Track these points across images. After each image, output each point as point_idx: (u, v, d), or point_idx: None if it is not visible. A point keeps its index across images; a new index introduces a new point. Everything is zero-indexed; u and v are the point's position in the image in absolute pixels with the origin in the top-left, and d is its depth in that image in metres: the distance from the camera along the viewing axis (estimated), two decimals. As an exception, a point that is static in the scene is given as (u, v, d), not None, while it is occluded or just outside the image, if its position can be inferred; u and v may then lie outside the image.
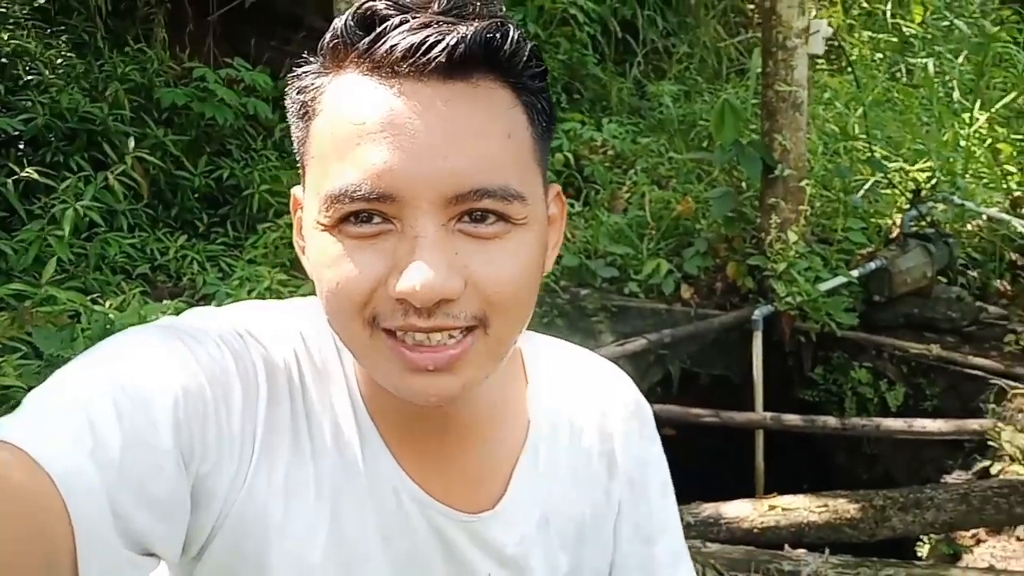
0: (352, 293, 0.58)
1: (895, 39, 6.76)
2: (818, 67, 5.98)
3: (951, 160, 4.66)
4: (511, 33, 0.59)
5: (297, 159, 0.65)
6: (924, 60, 5.92)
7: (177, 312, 2.54)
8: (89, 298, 2.47)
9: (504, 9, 0.61)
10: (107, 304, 2.44)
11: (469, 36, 0.56)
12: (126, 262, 3.22)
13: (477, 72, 0.57)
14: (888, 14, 6.72)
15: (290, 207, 0.69)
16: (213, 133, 4.10)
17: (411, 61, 0.55)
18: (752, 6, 7.07)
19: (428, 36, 0.55)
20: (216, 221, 3.89)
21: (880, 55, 6.55)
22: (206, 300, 3.09)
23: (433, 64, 0.55)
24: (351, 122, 0.57)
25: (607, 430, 0.79)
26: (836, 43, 5.07)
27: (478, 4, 0.59)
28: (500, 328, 0.60)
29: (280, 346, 0.67)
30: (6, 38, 3.91)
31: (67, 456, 0.49)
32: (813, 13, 3.99)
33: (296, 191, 0.68)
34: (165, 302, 2.53)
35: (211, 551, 0.62)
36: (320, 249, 0.60)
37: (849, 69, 5.13)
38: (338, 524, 0.66)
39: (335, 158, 0.57)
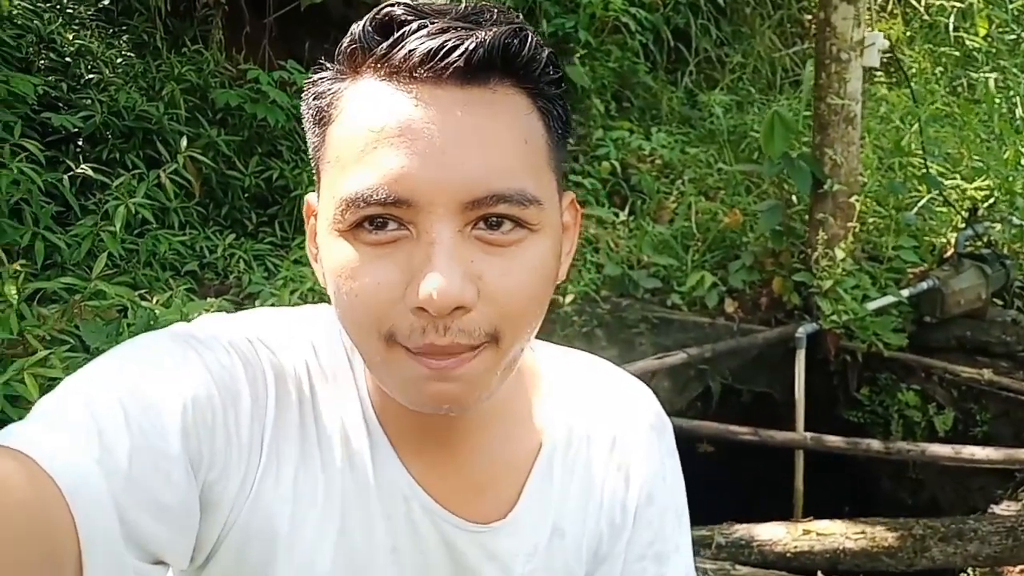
0: (369, 306, 0.58)
1: (957, 52, 6.58)
2: (875, 80, 5.86)
3: (1011, 179, 4.52)
4: (529, 39, 0.59)
5: (312, 165, 0.65)
6: (987, 75, 5.76)
7: (220, 311, 2.59)
8: (137, 294, 2.52)
9: (521, 16, 0.61)
10: (154, 300, 2.50)
11: (488, 41, 0.56)
12: (175, 259, 3.29)
13: (495, 78, 0.58)
14: (951, 27, 6.55)
15: (304, 214, 0.70)
16: (265, 134, 4.16)
17: (429, 66, 0.56)
18: (809, 17, 6.95)
19: (446, 41, 0.55)
20: (264, 221, 3.95)
21: (941, 68, 6.38)
22: (251, 299, 3.14)
23: (451, 69, 0.55)
24: (368, 128, 0.57)
25: (625, 443, 0.78)
26: (893, 55, 4.96)
27: (496, 11, 0.59)
28: (510, 340, 0.60)
29: (290, 353, 0.68)
30: (71, 38, 4.03)
31: (74, 463, 0.50)
32: (870, 22, 3.91)
33: (310, 198, 0.68)
34: (209, 299, 2.58)
35: (218, 559, 0.63)
36: (335, 256, 0.59)
37: (907, 83, 5.01)
38: (346, 532, 0.66)
39: (351, 163, 0.58)
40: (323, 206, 0.61)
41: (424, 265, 0.56)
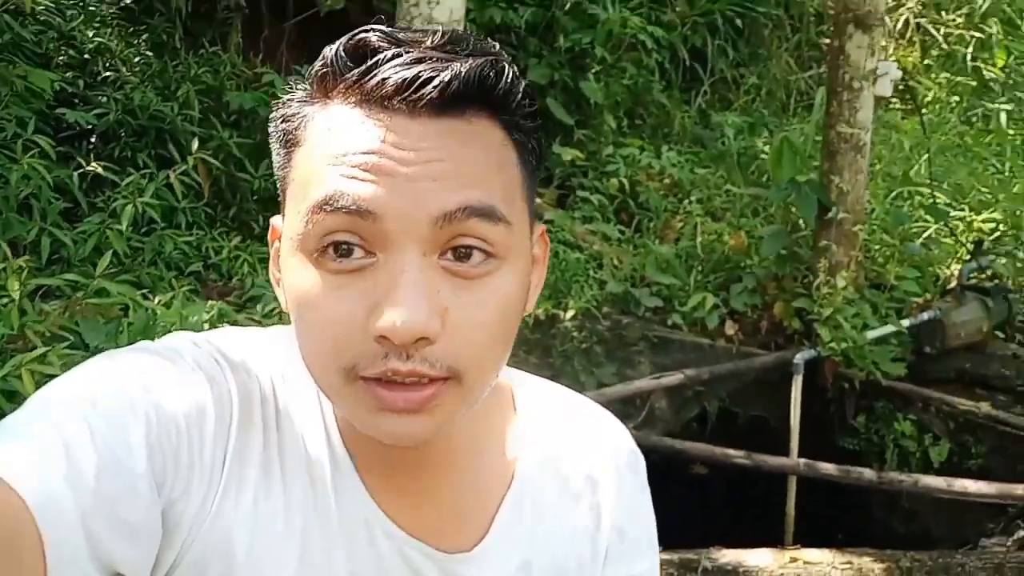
0: (332, 336, 0.57)
1: (974, 82, 6.57)
2: (889, 107, 5.85)
3: (1018, 213, 4.51)
4: (505, 71, 0.58)
5: (278, 187, 0.64)
6: (1001, 106, 5.74)
7: (220, 313, 2.62)
8: (140, 292, 2.55)
9: (498, 47, 0.61)
10: (156, 300, 2.52)
11: (463, 73, 0.55)
12: (180, 259, 3.32)
13: (470, 108, 0.57)
14: (969, 56, 6.54)
15: (268, 238, 0.69)
16: (276, 138, 4.20)
17: (403, 96, 0.55)
18: (827, 40, 6.95)
19: (421, 72, 0.55)
20: (272, 224, 3.98)
21: (956, 98, 6.37)
22: (253, 302, 3.16)
23: (425, 100, 0.55)
24: (336, 154, 0.56)
25: (596, 478, 0.78)
26: (908, 84, 4.96)
27: (472, 40, 0.59)
28: (473, 377, 0.59)
29: (256, 373, 0.67)
30: (91, 35, 4.08)
31: (41, 479, 0.50)
32: (886, 54, 3.92)
33: (275, 221, 0.67)
34: (210, 302, 2.60)
35: None
36: (297, 282, 0.59)
37: (919, 111, 5.01)
38: (306, 558, 0.65)
39: (318, 180, 0.57)
40: (288, 226, 0.60)
41: (389, 293, 0.55)
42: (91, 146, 3.53)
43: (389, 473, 0.68)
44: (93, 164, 3.06)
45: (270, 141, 0.64)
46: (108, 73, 3.87)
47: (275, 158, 0.63)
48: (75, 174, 3.03)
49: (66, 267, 2.76)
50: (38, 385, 1.95)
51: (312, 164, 0.58)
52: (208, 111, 4.00)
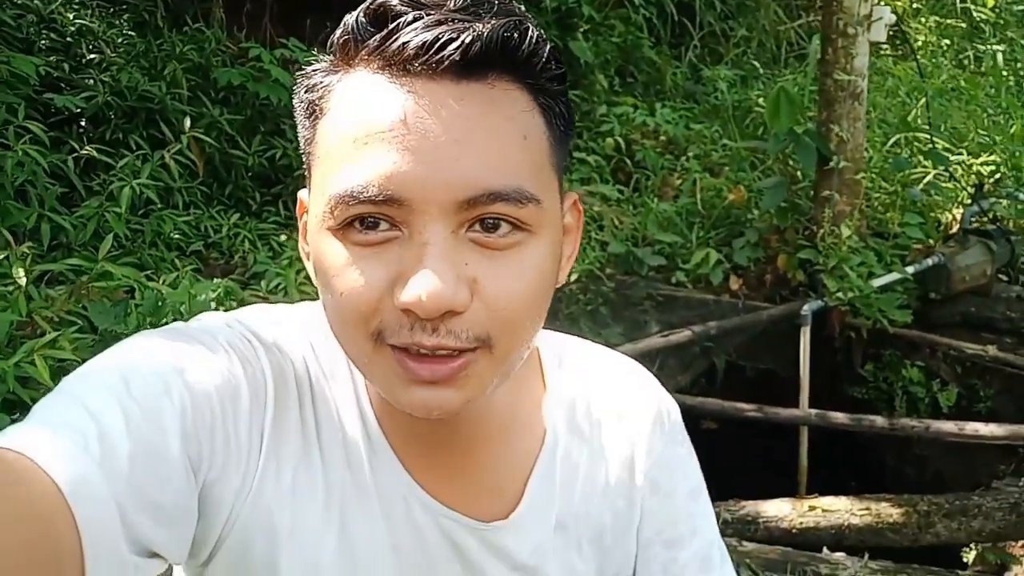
0: (358, 304, 0.56)
1: (964, 24, 6.52)
2: (881, 53, 5.81)
3: (1017, 154, 4.50)
4: (530, 32, 0.57)
5: (303, 160, 0.63)
6: (994, 47, 5.70)
7: (226, 291, 2.60)
8: (144, 274, 2.53)
9: (523, 8, 0.59)
10: (160, 280, 2.50)
11: (485, 35, 0.54)
12: (180, 239, 3.29)
13: (493, 72, 0.55)
14: (958, -2, 6.49)
15: (296, 211, 0.68)
16: (268, 113, 4.15)
17: (424, 59, 0.53)
18: (815, -11, 6.89)
19: (442, 34, 0.53)
20: (268, 200, 3.95)
21: (947, 41, 6.33)
22: (256, 278, 3.14)
23: (447, 62, 0.53)
24: (359, 122, 0.55)
25: (629, 434, 0.77)
26: (900, 29, 4.91)
27: (496, 2, 0.57)
28: (505, 347, 0.58)
29: (289, 352, 0.67)
30: (71, 18, 4.00)
31: (76, 464, 0.49)
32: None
33: (302, 194, 0.66)
34: (216, 280, 2.58)
35: (221, 556, 0.63)
36: (324, 255, 0.58)
37: (913, 56, 4.97)
38: (347, 533, 0.66)
39: (342, 159, 0.56)
40: (314, 203, 0.60)
41: (415, 266, 0.54)
42: (82, 130, 3.47)
43: (420, 447, 0.68)
44: (87, 148, 3.01)
45: (295, 115, 0.63)
46: (92, 55, 3.80)
47: (300, 131, 0.62)
48: (70, 158, 2.98)
49: (67, 252, 2.73)
50: (52, 370, 1.94)
51: (337, 140, 0.57)
52: (196, 88, 3.95)
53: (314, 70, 0.60)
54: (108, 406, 0.53)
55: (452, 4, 0.55)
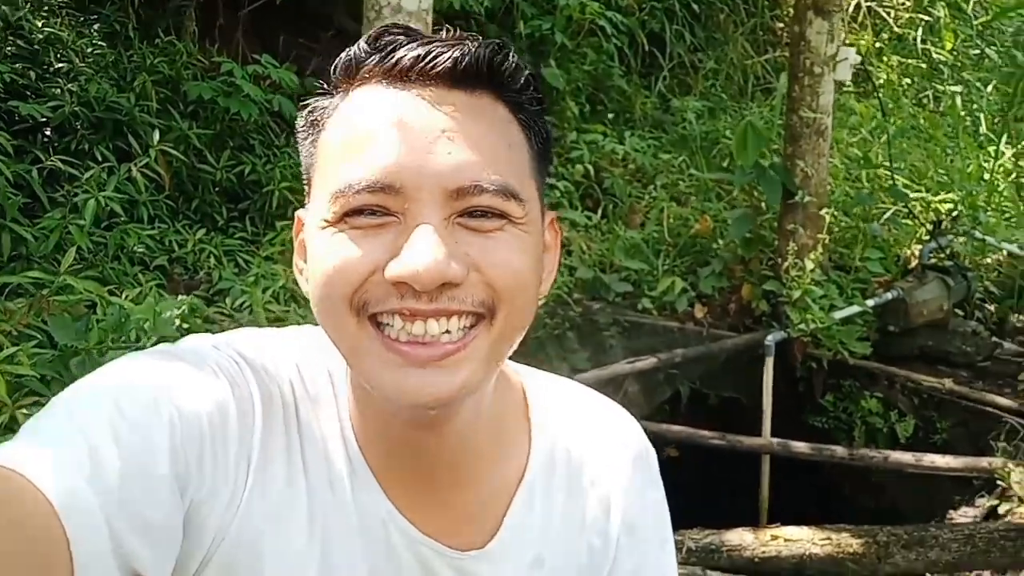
0: (346, 275, 0.59)
1: (924, 65, 6.71)
2: (845, 90, 5.95)
3: (974, 193, 4.63)
4: (511, 55, 0.63)
5: (304, 180, 0.66)
6: (952, 88, 5.88)
7: (191, 308, 2.56)
8: (106, 289, 2.49)
9: (506, 41, 0.67)
10: (124, 296, 2.46)
11: (473, 51, 0.60)
12: (144, 253, 3.24)
13: (479, 87, 0.61)
14: (919, 40, 6.68)
15: (293, 231, 0.71)
16: (237, 128, 4.12)
17: (419, 68, 0.59)
18: (781, 25, 7.04)
19: (434, 48, 0.60)
20: (235, 216, 3.91)
21: (908, 80, 6.51)
22: (221, 295, 3.10)
23: (440, 69, 0.59)
24: (359, 125, 0.60)
25: (608, 473, 0.78)
26: (863, 67, 5.04)
27: (479, 38, 0.63)
28: (505, 320, 0.61)
29: (276, 375, 0.68)
30: (40, 25, 3.95)
31: (66, 481, 0.50)
32: (843, 36, 3.98)
33: (300, 214, 0.69)
34: (180, 297, 2.54)
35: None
36: (320, 245, 0.61)
37: (875, 94, 5.10)
38: (329, 556, 0.66)
39: (342, 159, 0.60)
40: (313, 207, 0.63)
41: (410, 241, 0.57)
42: (47, 140, 3.41)
43: (400, 472, 0.69)
44: (52, 158, 2.95)
45: (298, 141, 0.67)
46: (60, 64, 3.75)
47: (302, 152, 0.66)
48: (34, 169, 2.93)
49: (28, 264, 2.68)
50: (9, 386, 1.89)
51: (337, 145, 0.61)
52: (166, 101, 3.91)
53: (318, 97, 0.65)
54: (99, 424, 0.54)
55: (443, 36, 0.62)
